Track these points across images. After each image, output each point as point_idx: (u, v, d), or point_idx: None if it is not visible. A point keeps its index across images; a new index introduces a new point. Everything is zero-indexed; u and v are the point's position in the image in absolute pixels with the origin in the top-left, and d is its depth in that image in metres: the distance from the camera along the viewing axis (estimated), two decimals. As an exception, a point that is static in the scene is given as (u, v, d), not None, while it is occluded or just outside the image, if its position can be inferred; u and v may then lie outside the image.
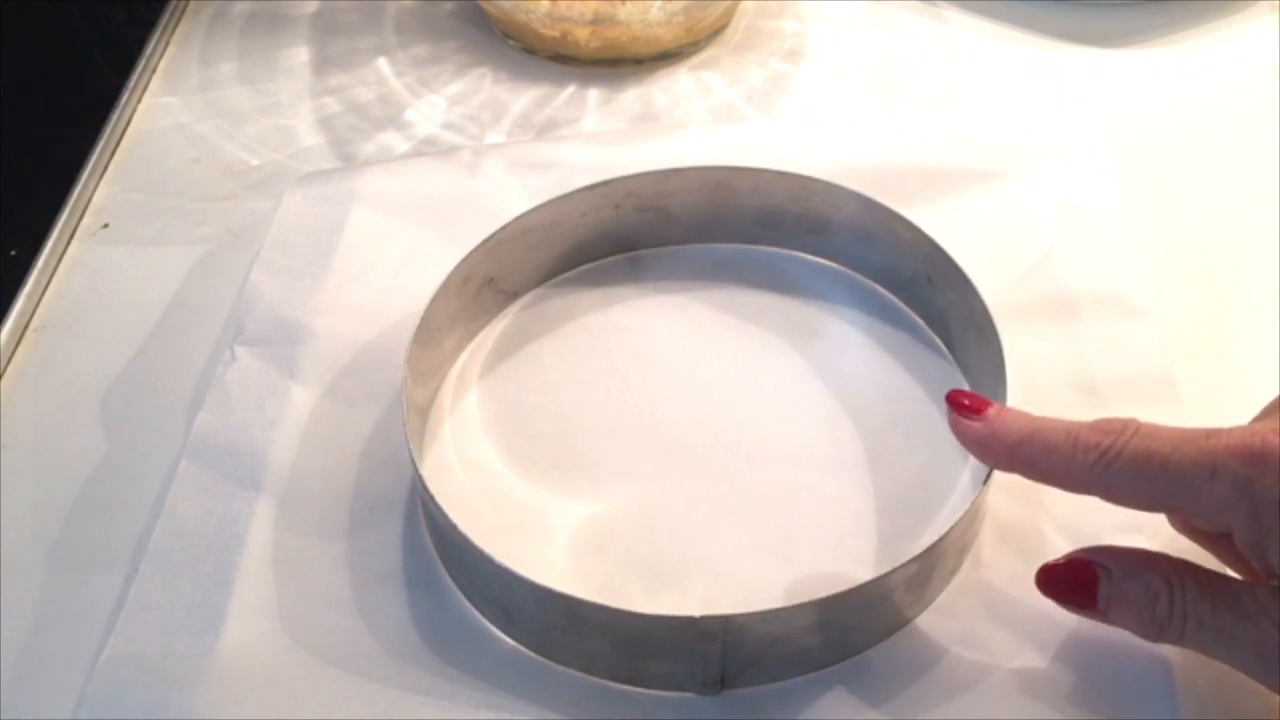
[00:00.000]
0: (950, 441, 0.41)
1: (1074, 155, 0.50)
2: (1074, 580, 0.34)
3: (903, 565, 0.34)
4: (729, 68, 0.59)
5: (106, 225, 0.52)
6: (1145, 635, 0.34)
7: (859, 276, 0.47)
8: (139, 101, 0.58)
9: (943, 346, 0.44)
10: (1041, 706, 0.35)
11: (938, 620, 0.37)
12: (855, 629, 0.35)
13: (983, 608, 0.37)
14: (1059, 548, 0.38)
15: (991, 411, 0.36)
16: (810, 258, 0.48)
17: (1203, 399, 0.42)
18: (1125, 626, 0.34)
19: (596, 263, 0.48)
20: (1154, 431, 0.33)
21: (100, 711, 0.35)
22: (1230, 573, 0.35)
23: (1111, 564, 0.34)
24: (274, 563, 0.38)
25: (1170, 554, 0.34)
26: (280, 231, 0.48)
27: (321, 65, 0.60)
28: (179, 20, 0.62)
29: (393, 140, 0.55)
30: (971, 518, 0.36)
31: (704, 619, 0.33)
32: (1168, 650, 0.35)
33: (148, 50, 0.59)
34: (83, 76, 0.60)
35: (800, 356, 0.44)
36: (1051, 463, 0.34)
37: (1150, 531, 0.38)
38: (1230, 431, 0.32)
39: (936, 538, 0.35)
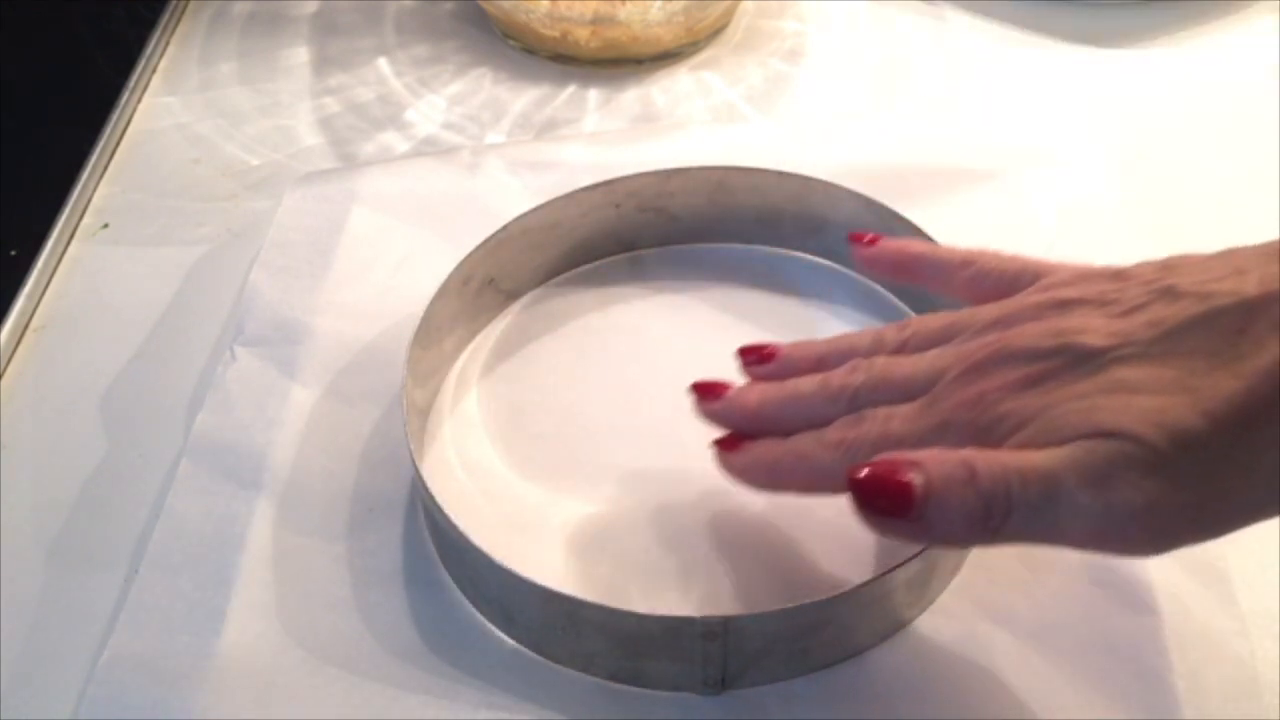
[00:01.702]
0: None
1: (1073, 155, 0.50)
2: (884, 482, 0.31)
3: (903, 565, 0.34)
4: (729, 68, 0.59)
5: (106, 225, 0.52)
6: (970, 532, 0.31)
7: (859, 276, 0.47)
8: (139, 101, 0.58)
9: (943, 346, 0.44)
10: (1041, 707, 0.35)
11: (938, 620, 0.37)
12: (855, 629, 0.35)
13: (983, 608, 0.37)
14: (1059, 548, 0.38)
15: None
16: (810, 257, 0.48)
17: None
18: (948, 527, 0.31)
19: (597, 263, 0.48)
20: (891, 414, 0.34)
21: (100, 711, 0.35)
22: None
23: (921, 459, 0.31)
24: (274, 563, 0.38)
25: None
26: (280, 231, 0.48)
27: (321, 65, 0.60)
28: (179, 20, 0.63)
29: (393, 140, 0.56)
30: (971, 518, 0.36)
31: (704, 619, 0.33)
32: (1168, 649, 0.35)
33: (148, 50, 0.59)
34: (83, 76, 0.60)
35: (800, 356, 0.44)
36: (800, 467, 0.35)
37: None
38: (949, 389, 0.33)
39: (936, 538, 0.35)
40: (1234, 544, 0.38)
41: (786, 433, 0.36)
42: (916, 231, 0.43)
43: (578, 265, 0.48)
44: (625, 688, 0.36)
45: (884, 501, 0.31)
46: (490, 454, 0.42)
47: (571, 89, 0.58)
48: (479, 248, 0.44)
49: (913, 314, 0.45)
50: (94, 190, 0.53)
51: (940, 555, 0.36)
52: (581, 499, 0.40)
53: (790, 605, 0.34)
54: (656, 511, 0.40)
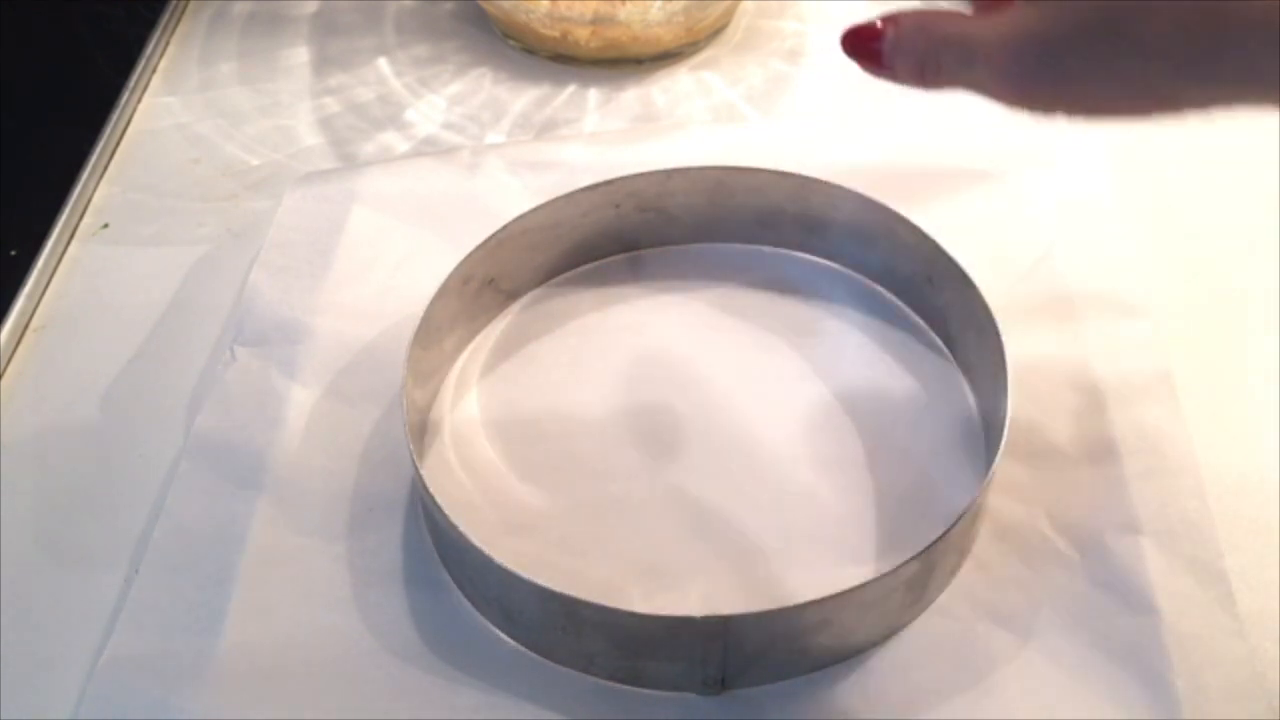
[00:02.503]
0: (950, 440, 0.41)
1: (1073, 155, 0.50)
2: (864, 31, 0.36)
3: (903, 565, 0.34)
4: (729, 68, 0.59)
5: (106, 225, 0.52)
6: (921, 69, 0.36)
7: (859, 276, 0.47)
8: (139, 101, 0.58)
9: (943, 346, 0.44)
10: (1041, 707, 0.35)
11: (938, 620, 0.37)
12: (855, 629, 0.35)
13: (982, 608, 0.37)
14: (1058, 548, 0.38)
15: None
16: (810, 257, 0.48)
17: (1201, 398, 0.42)
18: (904, 64, 0.36)
19: (597, 263, 0.48)
20: None
21: (100, 712, 0.35)
22: None
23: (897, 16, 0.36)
24: (274, 563, 0.38)
25: None
26: (280, 231, 0.48)
27: (321, 65, 0.60)
28: (179, 20, 0.62)
29: (393, 140, 0.55)
30: (971, 518, 0.36)
31: (704, 619, 0.33)
32: (1168, 649, 0.35)
33: (148, 50, 0.59)
34: (83, 76, 0.60)
35: (800, 356, 0.44)
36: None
37: (1152, 534, 0.38)
38: None
39: (936, 538, 0.35)
40: (1234, 544, 0.38)
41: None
42: (916, 231, 0.43)
43: (578, 265, 0.48)
44: (625, 688, 0.36)
45: (863, 45, 0.36)
46: (490, 454, 0.42)
47: (571, 89, 0.58)
48: (479, 248, 0.44)
49: (914, 315, 0.45)
50: (94, 190, 0.53)
51: (940, 555, 0.36)
52: (581, 499, 0.40)
53: (790, 605, 0.34)
54: (656, 511, 0.40)
